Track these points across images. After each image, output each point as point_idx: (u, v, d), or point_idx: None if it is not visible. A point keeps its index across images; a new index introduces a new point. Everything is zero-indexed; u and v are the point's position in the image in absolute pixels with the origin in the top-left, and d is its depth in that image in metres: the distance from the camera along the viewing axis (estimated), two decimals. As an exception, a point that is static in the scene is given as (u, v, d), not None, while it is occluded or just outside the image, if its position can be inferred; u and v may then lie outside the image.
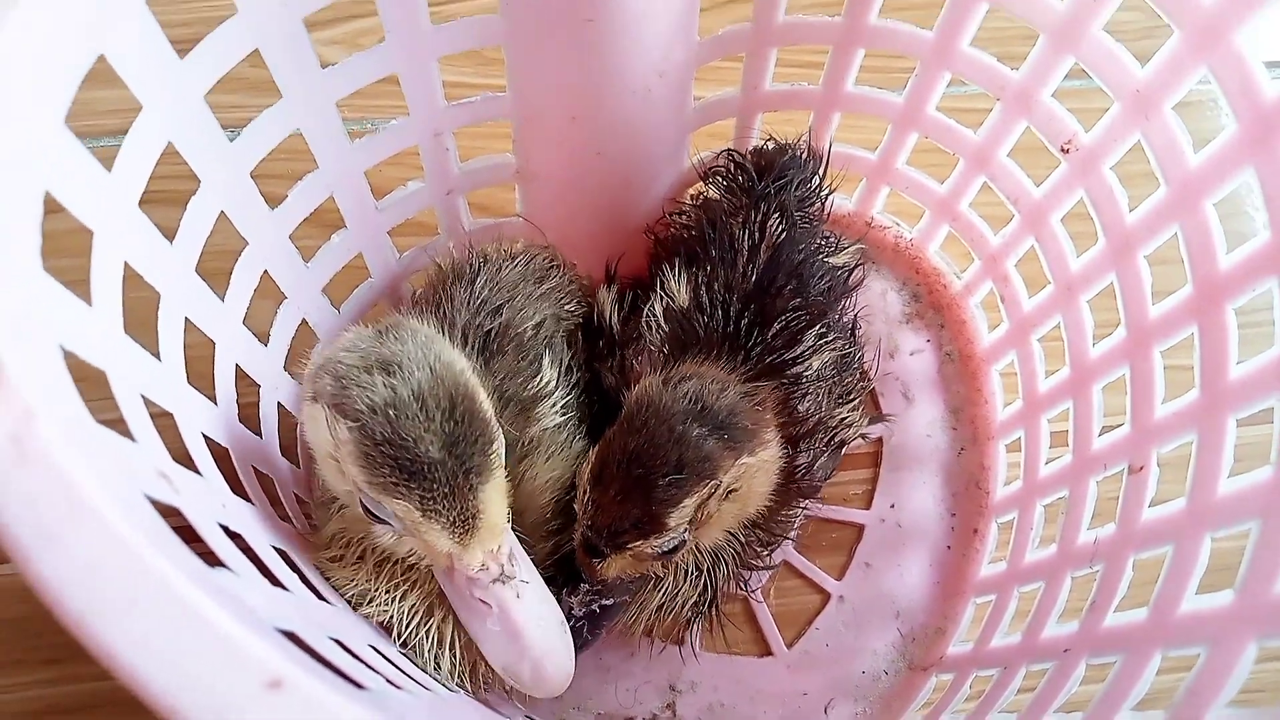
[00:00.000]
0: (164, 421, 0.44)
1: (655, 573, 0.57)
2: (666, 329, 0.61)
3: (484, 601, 0.48)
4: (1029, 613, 0.58)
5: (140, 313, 0.46)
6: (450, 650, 0.52)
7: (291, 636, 0.36)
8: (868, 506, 0.73)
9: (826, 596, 0.70)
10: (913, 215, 0.79)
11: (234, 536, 0.42)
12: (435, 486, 0.43)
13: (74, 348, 0.36)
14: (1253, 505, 0.44)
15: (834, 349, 0.62)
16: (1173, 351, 0.55)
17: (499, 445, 0.46)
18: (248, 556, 0.41)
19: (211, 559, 0.37)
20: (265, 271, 0.58)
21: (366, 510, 0.46)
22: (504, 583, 0.48)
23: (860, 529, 0.72)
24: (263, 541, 0.45)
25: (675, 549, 0.52)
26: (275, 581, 0.42)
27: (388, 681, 0.42)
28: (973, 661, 0.61)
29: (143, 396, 0.42)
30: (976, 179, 0.71)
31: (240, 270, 0.55)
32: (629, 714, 0.65)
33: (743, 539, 0.58)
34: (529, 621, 0.49)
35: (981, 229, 0.73)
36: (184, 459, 0.44)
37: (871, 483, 0.73)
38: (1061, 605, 0.56)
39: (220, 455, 0.49)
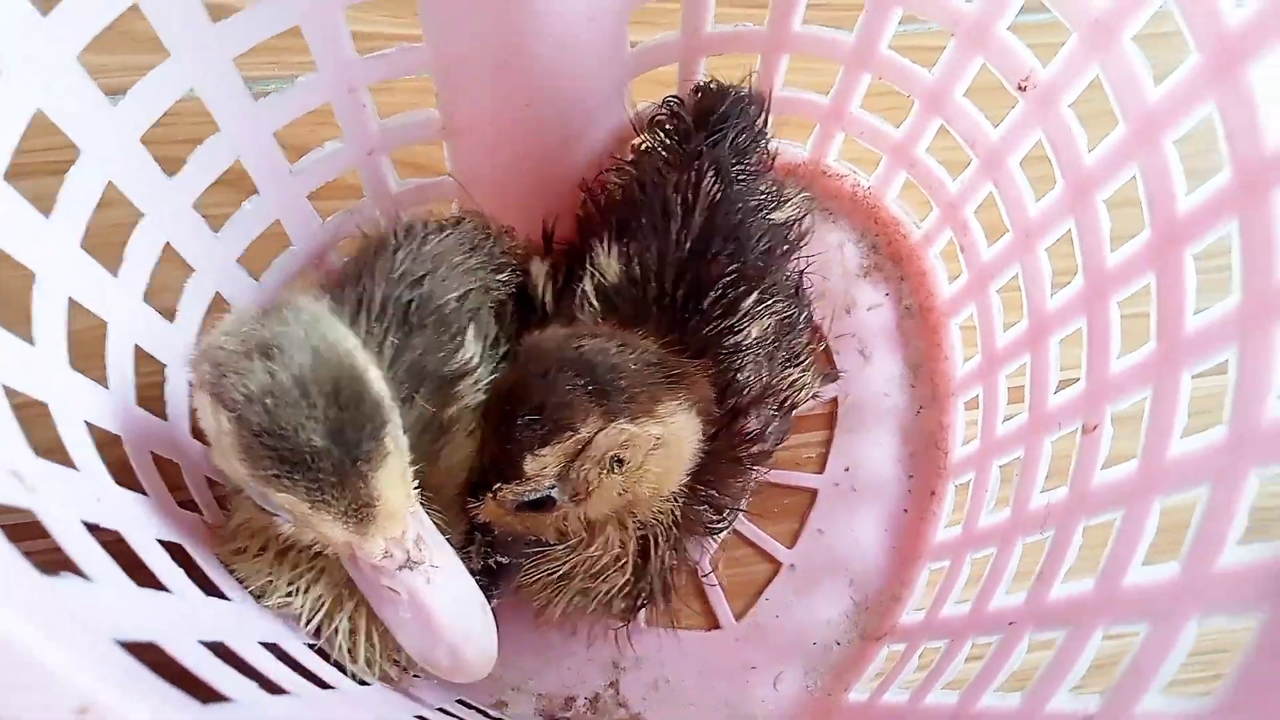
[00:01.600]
0: (37, 411, 0.41)
1: (545, 536, 0.55)
2: (599, 307, 0.58)
3: (393, 589, 0.46)
4: (980, 579, 0.55)
5: (10, 295, 0.43)
6: (366, 640, 0.50)
7: (146, 647, 0.33)
8: (821, 470, 0.70)
9: (777, 566, 0.67)
10: (870, 162, 0.75)
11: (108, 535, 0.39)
12: (321, 476, 0.40)
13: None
14: (1204, 469, 0.41)
15: (774, 313, 0.58)
16: (1134, 300, 0.52)
17: (392, 428, 0.43)
18: (121, 556, 0.38)
19: (59, 564, 0.34)
20: (167, 244, 0.54)
21: (255, 503, 0.43)
22: (412, 569, 0.45)
23: (813, 494, 0.69)
24: (144, 537, 0.42)
25: (542, 504, 0.50)
26: (149, 582, 0.40)
27: (267, 687, 0.40)
28: (923, 631, 0.58)
29: (4, 387, 0.39)
30: (933, 122, 0.67)
31: (136, 244, 0.52)
32: (571, 693, 0.62)
33: (678, 517, 0.55)
34: (443, 607, 0.46)
35: (940, 175, 0.69)
36: (58, 450, 0.41)
37: (825, 445, 0.70)
38: (1012, 574, 0.53)
39: (112, 443, 0.47)
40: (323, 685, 0.45)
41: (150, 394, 0.53)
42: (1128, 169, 0.52)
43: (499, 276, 0.63)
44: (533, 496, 0.50)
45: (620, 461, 0.50)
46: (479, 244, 0.62)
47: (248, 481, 0.42)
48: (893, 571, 0.66)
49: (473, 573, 0.52)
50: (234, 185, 0.58)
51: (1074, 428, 0.53)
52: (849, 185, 0.76)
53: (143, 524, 0.43)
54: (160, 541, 0.44)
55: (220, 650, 0.38)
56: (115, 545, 0.39)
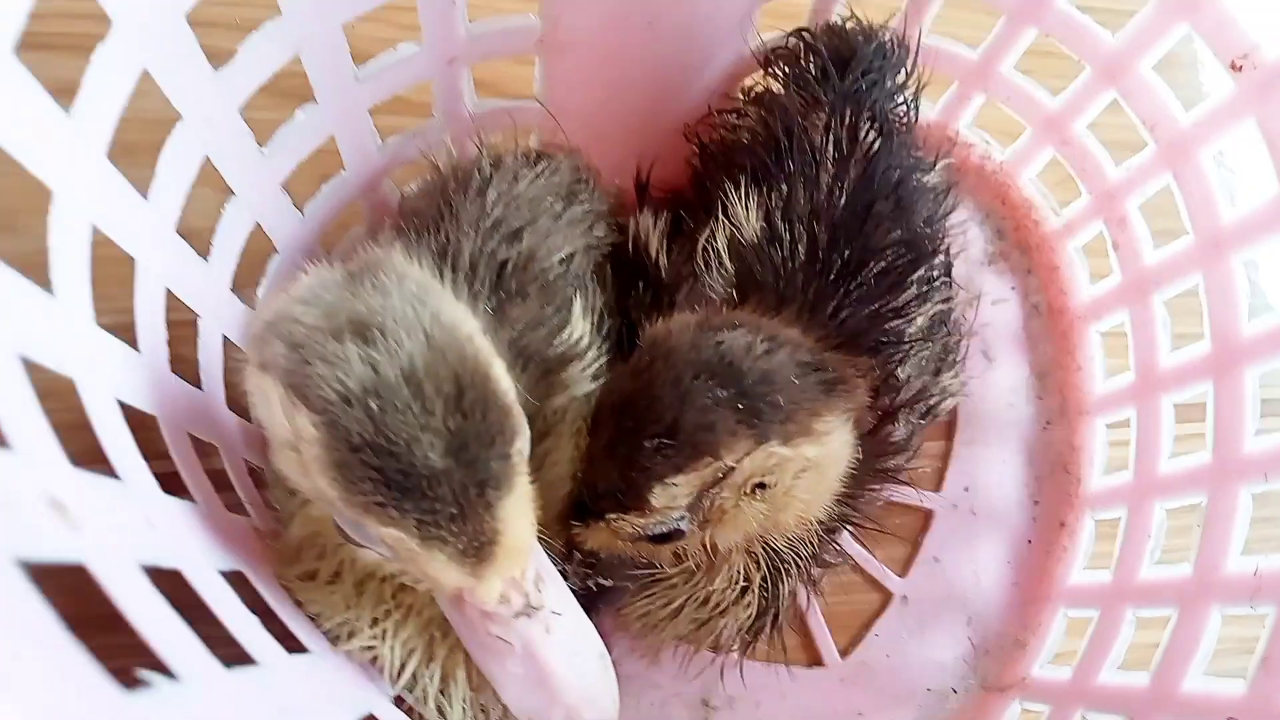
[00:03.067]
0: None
1: (659, 562, 0.46)
2: (731, 268, 0.47)
3: (504, 639, 0.35)
4: (1159, 648, 0.47)
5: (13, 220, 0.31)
6: (459, 689, 0.40)
7: None
8: (938, 488, 0.61)
9: (887, 596, 0.58)
10: (1005, 133, 0.65)
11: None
12: (438, 506, 0.30)
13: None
14: None
15: (942, 298, 0.49)
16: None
17: (523, 441, 0.33)
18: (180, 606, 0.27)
19: (128, 649, 0.23)
20: (206, 158, 0.42)
21: (342, 531, 0.32)
22: (529, 615, 0.35)
23: (928, 515, 0.60)
24: (208, 575, 0.31)
25: (668, 537, 0.41)
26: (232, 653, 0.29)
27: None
28: (1074, 696, 0.50)
29: (23, 360, 0.27)
30: (1103, 94, 0.57)
31: (170, 155, 0.39)
32: (653, 733, 0.53)
33: (815, 544, 0.46)
34: (561, 661, 0.36)
35: (1098, 157, 0.59)
36: (86, 452, 0.29)
37: (943, 459, 0.62)
38: (1210, 647, 0.45)
39: (143, 424, 0.35)
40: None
41: (178, 354, 0.41)
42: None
43: (597, 232, 0.52)
44: (656, 530, 0.40)
45: (763, 486, 0.40)
46: (577, 190, 0.51)
47: (337, 507, 0.31)
48: (1014, 613, 0.58)
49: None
50: (271, 89, 0.45)
51: (1288, 484, 0.45)
52: (977, 156, 0.66)
53: (201, 551, 0.32)
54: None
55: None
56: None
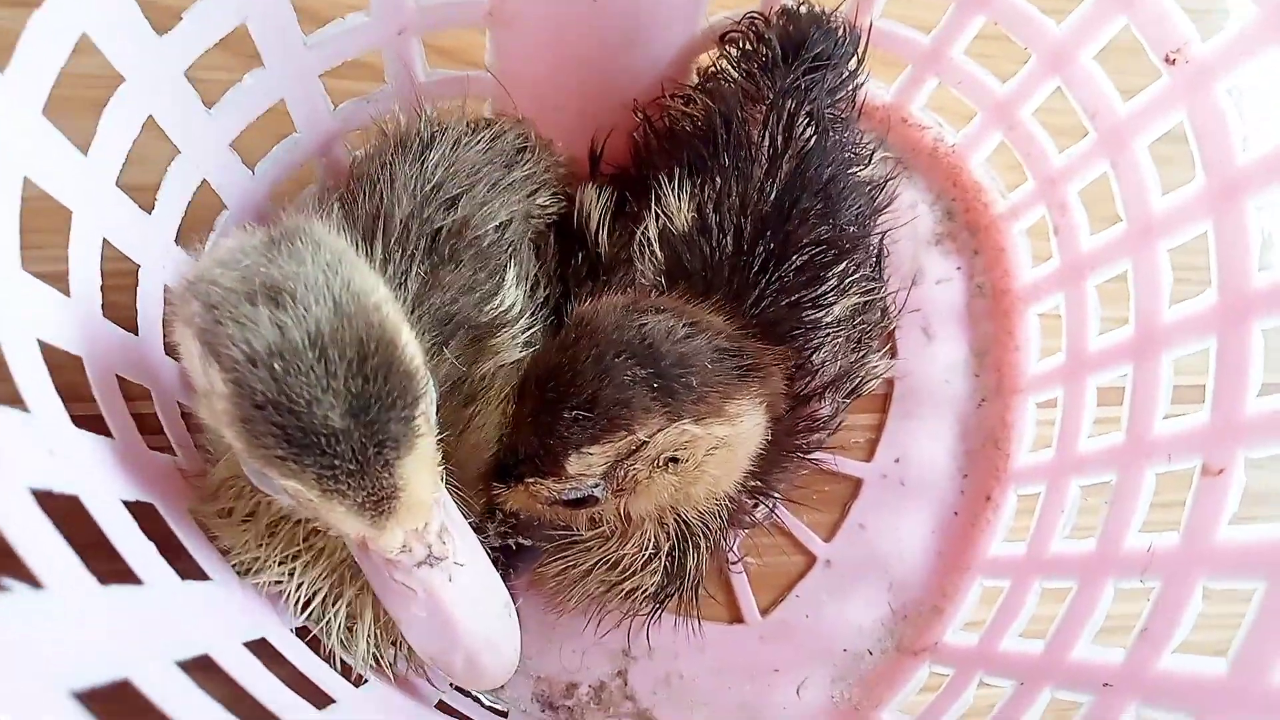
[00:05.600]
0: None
1: (575, 525, 0.48)
2: (661, 257, 0.49)
3: (408, 585, 0.38)
4: (1056, 618, 0.49)
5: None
6: (365, 626, 0.42)
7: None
8: (869, 458, 0.63)
9: (811, 559, 0.60)
10: (958, 115, 0.66)
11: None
12: (337, 463, 0.32)
13: None
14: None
15: (861, 290, 0.51)
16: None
17: (426, 404, 0.35)
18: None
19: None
20: (151, 118, 0.44)
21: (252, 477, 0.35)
22: (432, 565, 0.37)
23: (857, 484, 0.62)
24: (107, 502, 0.33)
25: (583, 502, 0.43)
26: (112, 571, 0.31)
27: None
28: (979, 660, 0.52)
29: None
30: (1048, 82, 0.58)
31: (112, 114, 0.41)
32: (573, 679, 0.56)
33: (724, 517, 0.48)
34: (463, 609, 0.39)
35: (1043, 143, 0.60)
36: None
37: (876, 431, 0.63)
38: (1100, 619, 0.47)
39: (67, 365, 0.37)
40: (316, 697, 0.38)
41: (119, 302, 0.43)
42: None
43: (540, 201, 0.53)
44: (571, 496, 0.42)
45: (675, 460, 0.42)
46: (520, 158, 0.53)
47: (243, 457, 0.34)
48: (935, 580, 0.60)
49: (489, 551, 0.45)
50: (232, 50, 0.47)
51: (1189, 465, 0.46)
52: (930, 139, 0.67)
53: (105, 482, 0.35)
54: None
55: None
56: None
